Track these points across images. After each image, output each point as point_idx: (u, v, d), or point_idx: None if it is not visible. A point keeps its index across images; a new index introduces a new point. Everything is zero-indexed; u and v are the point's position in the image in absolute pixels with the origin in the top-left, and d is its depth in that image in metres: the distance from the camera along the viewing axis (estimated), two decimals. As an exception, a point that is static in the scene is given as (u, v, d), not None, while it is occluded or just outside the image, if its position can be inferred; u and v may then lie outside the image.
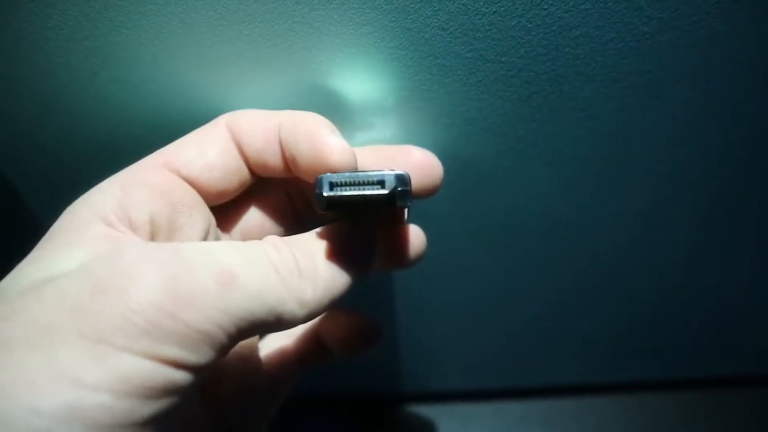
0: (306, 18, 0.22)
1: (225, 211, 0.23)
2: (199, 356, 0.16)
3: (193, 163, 0.21)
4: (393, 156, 0.24)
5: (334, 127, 0.21)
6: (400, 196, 0.18)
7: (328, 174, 0.18)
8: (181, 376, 0.15)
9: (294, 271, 0.18)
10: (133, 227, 0.19)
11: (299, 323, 0.18)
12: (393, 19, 0.23)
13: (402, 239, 0.25)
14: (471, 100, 0.25)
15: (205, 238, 0.21)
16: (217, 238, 0.23)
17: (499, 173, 0.29)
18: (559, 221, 0.31)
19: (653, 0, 0.23)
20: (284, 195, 0.24)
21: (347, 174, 0.18)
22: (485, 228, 0.32)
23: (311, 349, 0.27)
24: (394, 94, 0.25)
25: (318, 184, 0.18)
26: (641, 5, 0.23)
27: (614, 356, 0.40)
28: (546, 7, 0.23)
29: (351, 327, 0.27)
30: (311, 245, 0.19)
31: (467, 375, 0.41)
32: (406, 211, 0.21)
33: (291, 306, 0.17)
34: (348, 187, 0.18)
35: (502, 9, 0.23)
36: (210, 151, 0.21)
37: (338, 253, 0.19)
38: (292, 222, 0.25)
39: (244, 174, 0.22)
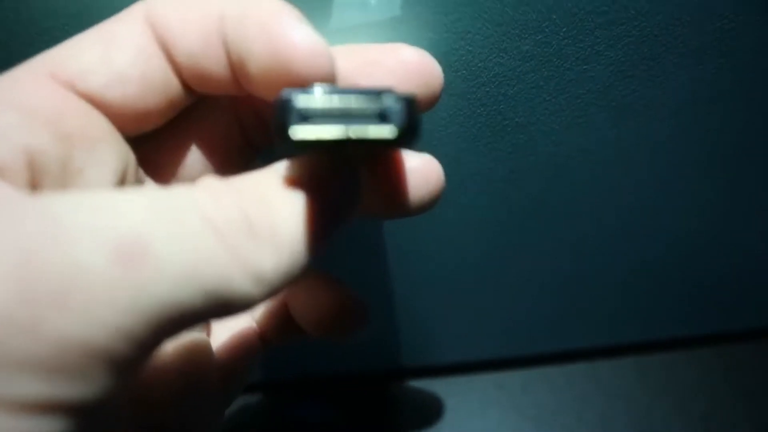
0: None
1: (151, 144, 0.17)
2: (86, 387, 0.10)
3: (95, 72, 0.14)
4: (376, 59, 0.17)
5: (296, 12, 0.14)
6: (410, 132, 0.12)
7: (294, 92, 0.11)
8: (57, 426, 0.10)
9: (243, 229, 0.12)
10: None
11: (255, 304, 0.13)
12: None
13: (396, 171, 0.18)
14: (457, 71, 0.24)
15: (121, 184, 0.15)
16: (139, 184, 0.17)
17: (492, 156, 0.28)
18: (564, 167, 0.30)
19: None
20: (234, 121, 0.18)
21: (325, 92, 0.11)
22: (486, 173, 0.30)
23: (277, 327, 0.21)
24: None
25: (279, 109, 0.11)
26: None
27: (618, 318, 0.39)
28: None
29: (329, 305, 0.20)
30: (269, 189, 0.13)
31: (467, 346, 0.41)
32: None
33: (241, 283, 0.12)
34: (328, 120, 0.11)
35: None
36: (120, 55, 0.14)
37: (309, 200, 0.13)
38: (247, 159, 0.19)
39: (174, 89, 0.15)
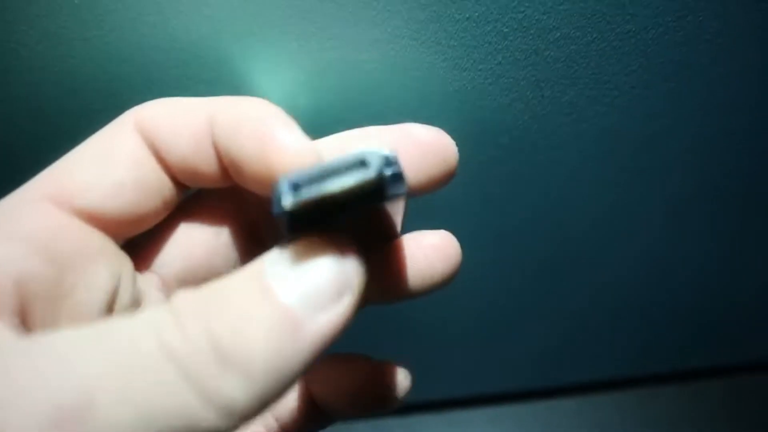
0: (266, 34, 0.21)
1: (148, 241, 0.17)
2: None
3: (93, 188, 0.15)
4: (390, 141, 0.16)
5: (286, 117, 0.14)
6: (392, 181, 0.12)
7: (286, 174, 0.12)
8: None
9: (210, 359, 0.11)
10: None
11: None
12: (360, 32, 0.21)
13: (398, 258, 0.17)
14: (450, 110, 0.24)
15: (112, 300, 0.15)
16: (135, 293, 0.16)
17: (483, 184, 0.27)
18: (550, 224, 0.30)
19: (636, -3, 0.21)
20: (231, 204, 0.18)
21: (314, 167, 0.12)
22: (476, 233, 0.30)
23: (299, 418, 0.19)
24: (367, 109, 0.24)
25: (275, 191, 0.12)
26: (623, 3, 0.21)
27: (609, 355, 0.40)
28: (522, 10, 0.21)
29: (361, 385, 0.18)
30: (247, 300, 0.12)
31: (463, 381, 0.40)
32: (400, 213, 0.16)
33: (207, 417, 0.11)
34: (318, 182, 0.12)
35: (476, 15, 0.21)
36: (115, 168, 0.15)
37: (300, 301, 0.12)
38: (249, 240, 0.18)
39: (168, 189, 0.16)
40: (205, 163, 0.15)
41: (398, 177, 0.12)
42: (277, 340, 0.11)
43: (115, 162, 0.15)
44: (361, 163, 0.12)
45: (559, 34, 0.22)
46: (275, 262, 0.12)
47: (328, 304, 0.12)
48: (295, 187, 0.12)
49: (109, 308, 0.15)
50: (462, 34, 0.22)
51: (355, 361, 0.19)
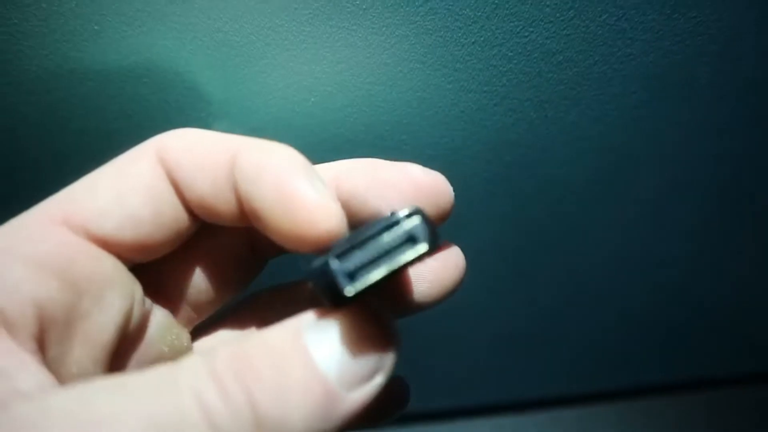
0: (278, 58, 0.22)
1: (159, 268, 0.17)
2: None
3: (109, 216, 0.14)
4: (386, 178, 0.16)
5: (310, 169, 0.14)
6: (436, 239, 0.12)
7: (333, 260, 0.12)
8: None
9: (249, 426, 0.11)
10: (7, 325, 0.13)
11: None
12: (368, 55, 0.22)
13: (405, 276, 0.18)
14: (454, 130, 0.25)
15: (124, 326, 0.15)
16: (143, 319, 0.16)
17: (487, 200, 0.28)
18: (550, 241, 0.30)
19: (636, 22, 0.22)
20: (242, 237, 0.18)
21: (361, 246, 0.12)
22: (479, 248, 0.31)
23: None
24: (374, 129, 0.24)
25: (323, 277, 0.12)
26: (624, 27, 0.22)
27: (607, 364, 0.40)
28: (526, 35, 0.22)
29: None
30: (287, 363, 0.12)
31: (457, 391, 0.41)
32: None
33: None
34: (374, 266, 0.12)
35: (482, 39, 0.22)
36: (133, 197, 0.15)
37: (338, 377, 0.12)
38: (255, 267, 0.19)
39: (184, 222, 0.16)
40: (224, 203, 0.15)
41: (436, 235, 0.13)
42: (315, 413, 0.11)
43: (133, 192, 0.15)
44: (411, 239, 0.12)
45: (561, 57, 0.23)
46: (314, 327, 0.12)
47: (364, 382, 0.12)
48: (353, 276, 0.12)
49: (123, 331, 0.15)
50: (468, 57, 0.22)
51: None
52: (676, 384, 0.41)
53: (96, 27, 0.21)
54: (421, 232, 0.12)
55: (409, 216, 0.12)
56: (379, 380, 0.13)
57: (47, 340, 0.13)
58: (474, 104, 0.24)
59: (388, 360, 0.13)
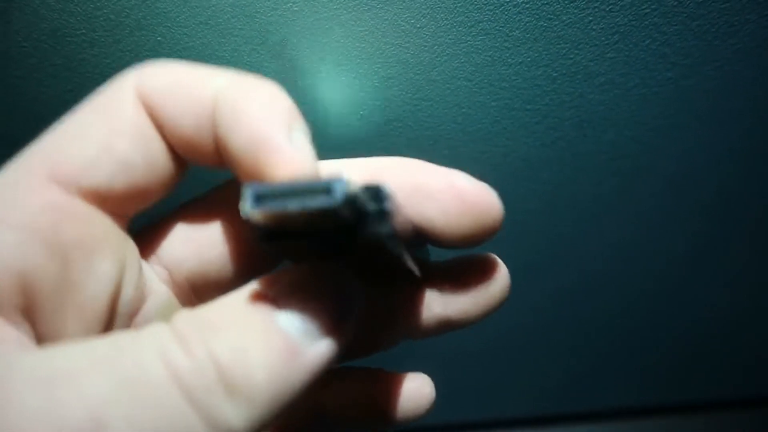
0: (332, 73, 0.22)
1: (159, 230, 0.16)
2: None
3: (99, 166, 0.13)
4: (426, 185, 0.15)
5: (297, 119, 0.13)
6: (374, 218, 0.12)
7: (256, 183, 0.12)
8: None
9: (214, 385, 0.11)
10: None
11: None
12: (418, 72, 0.23)
13: (409, 300, 0.17)
14: (495, 146, 0.25)
15: (117, 291, 0.14)
16: (140, 283, 0.15)
17: (521, 215, 0.28)
18: (583, 256, 0.31)
19: (678, 47, 0.23)
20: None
21: (289, 184, 0.11)
22: (508, 262, 0.31)
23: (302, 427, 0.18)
24: (418, 142, 0.25)
25: (242, 197, 0.12)
26: (665, 52, 0.23)
27: (616, 384, 0.40)
28: (572, 56, 0.23)
29: (378, 389, 0.17)
30: (246, 321, 0.12)
31: (480, 405, 0.41)
32: (407, 256, 0.14)
33: None
34: (281, 199, 0.11)
35: (528, 60, 0.23)
36: (123, 143, 0.13)
37: (298, 329, 0.12)
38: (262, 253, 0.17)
39: (173, 165, 0.14)
40: (205, 144, 0.14)
41: (382, 215, 0.12)
42: (277, 368, 0.11)
43: (122, 136, 0.13)
44: (326, 191, 0.11)
45: (603, 79, 0.23)
46: (273, 286, 0.12)
47: (326, 333, 0.12)
48: (258, 198, 0.11)
49: (114, 299, 0.14)
50: (514, 77, 0.23)
51: (370, 372, 0.18)
52: (705, 403, 0.42)
53: (159, 38, 0.21)
54: (339, 190, 0.11)
55: (347, 180, 0.11)
56: (345, 329, 0.12)
57: (36, 313, 0.13)
58: (516, 122, 0.25)
59: (352, 308, 0.13)
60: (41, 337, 0.13)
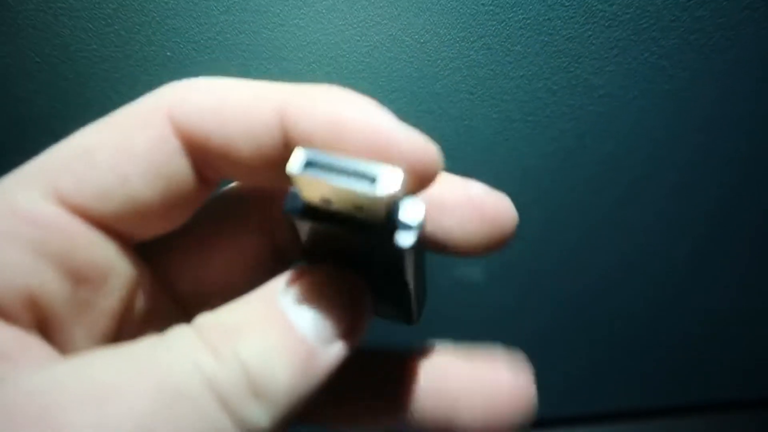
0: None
1: (165, 247, 0.15)
2: None
3: (111, 197, 0.13)
4: (442, 194, 0.15)
5: (387, 110, 0.13)
6: (401, 227, 0.12)
7: (310, 148, 0.11)
8: None
9: (245, 390, 0.11)
10: (4, 315, 0.12)
11: None
12: (422, 86, 0.23)
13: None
14: (497, 156, 0.26)
15: (128, 310, 0.14)
16: (150, 305, 0.15)
17: (524, 225, 0.29)
18: (584, 263, 0.31)
19: (676, 60, 0.23)
20: (259, 222, 0.16)
21: (343, 157, 0.11)
22: (511, 269, 0.32)
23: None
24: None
25: (291, 158, 0.11)
26: (664, 65, 0.23)
27: (622, 386, 0.40)
28: (572, 70, 0.23)
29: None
30: (266, 325, 0.12)
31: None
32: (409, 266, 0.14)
33: None
34: (329, 171, 0.11)
35: (530, 73, 0.23)
36: (140, 179, 0.13)
37: (314, 334, 0.12)
38: (271, 260, 0.17)
39: (194, 194, 0.14)
40: (272, 163, 0.13)
41: (410, 228, 0.12)
42: (297, 369, 0.12)
43: (140, 171, 0.13)
44: (372, 180, 0.11)
45: (603, 91, 0.24)
46: (287, 290, 0.13)
47: (339, 337, 0.13)
48: (309, 163, 0.11)
49: (124, 319, 0.14)
50: (515, 90, 0.23)
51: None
52: (713, 404, 0.42)
53: (168, 53, 0.22)
54: (386, 180, 0.11)
55: (388, 167, 0.11)
56: (356, 334, 0.13)
57: (48, 329, 0.13)
58: (517, 133, 0.25)
59: (363, 315, 0.13)
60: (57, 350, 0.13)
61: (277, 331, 0.12)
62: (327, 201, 0.12)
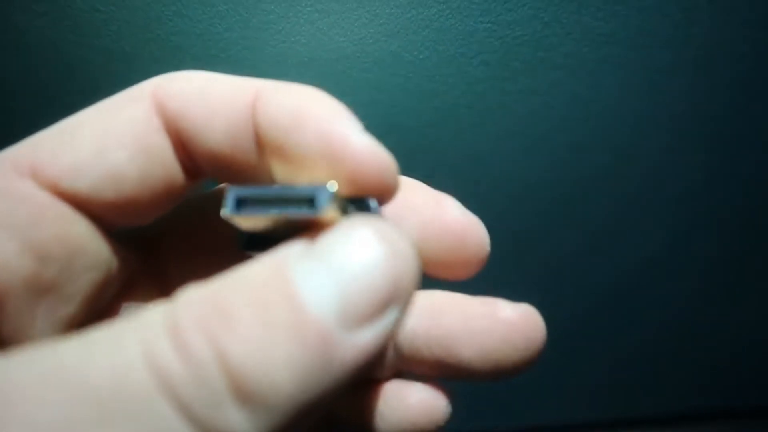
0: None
1: (151, 231, 0.14)
2: None
3: (85, 171, 0.12)
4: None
5: (352, 115, 0.12)
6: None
7: (235, 187, 0.11)
8: None
9: (219, 392, 0.09)
10: None
11: None
12: (422, 100, 0.24)
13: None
14: (494, 170, 0.26)
15: (94, 300, 0.13)
16: (140, 301, 0.14)
17: (524, 235, 0.29)
18: (587, 273, 0.32)
19: (671, 75, 0.24)
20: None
21: (272, 189, 0.11)
22: (516, 281, 0.32)
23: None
24: (416, 171, 0.26)
25: (224, 200, 0.11)
26: (660, 81, 0.24)
27: (632, 393, 0.41)
28: (569, 85, 0.24)
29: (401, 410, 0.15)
30: (267, 306, 0.09)
31: (475, 415, 0.41)
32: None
33: None
34: (265, 207, 0.11)
35: (527, 88, 0.24)
36: (117, 151, 0.12)
37: (335, 315, 0.09)
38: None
39: (177, 182, 0.13)
40: (243, 154, 0.12)
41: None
42: (305, 365, 0.09)
43: (118, 144, 0.12)
44: (311, 202, 0.10)
45: (600, 106, 0.24)
46: (304, 256, 0.10)
47: (371, 318, 0.09)
48: (240, 202, 0.11)
49: (93, 306, 0.13)
50: (513, 104, 0.24)
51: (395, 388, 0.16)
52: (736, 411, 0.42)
53: (173, 70, 0.22)
54: (325, 201, 0.10)
55: (325, 187, 0.10)
56: (395, 313, 0.10)
57: (3, 313, 0.11)
58: (515, 147, 0.25)
59: (409, 282, 0.10)
60: (4, 335, 0.12)
61: (277, 313, 0.09)
62: (270, 228, 0.11)
